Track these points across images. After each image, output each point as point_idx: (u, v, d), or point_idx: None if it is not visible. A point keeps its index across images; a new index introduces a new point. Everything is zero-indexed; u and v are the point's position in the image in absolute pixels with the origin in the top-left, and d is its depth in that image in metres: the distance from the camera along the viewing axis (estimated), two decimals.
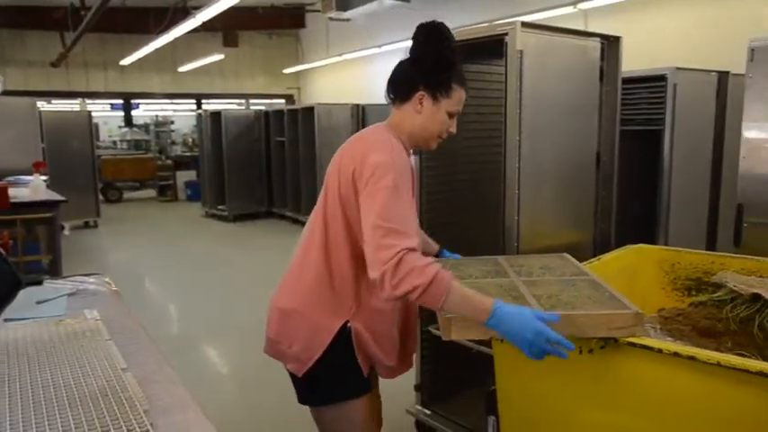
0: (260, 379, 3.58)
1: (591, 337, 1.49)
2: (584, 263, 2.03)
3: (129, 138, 15.13)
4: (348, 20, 10.43)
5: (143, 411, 1.19)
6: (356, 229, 1.59)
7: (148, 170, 12.58)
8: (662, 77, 3.43)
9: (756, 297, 1.82)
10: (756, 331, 1.77)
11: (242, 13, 10.49)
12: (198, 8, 7.47)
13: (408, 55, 1.69)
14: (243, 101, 15.41)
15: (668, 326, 1.92)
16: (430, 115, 1.67)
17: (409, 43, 1.68)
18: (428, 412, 2.83)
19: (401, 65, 1.71)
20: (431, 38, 1.64)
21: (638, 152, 3.51)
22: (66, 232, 8.22)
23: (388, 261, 1.41)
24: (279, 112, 9.76)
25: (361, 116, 8.73)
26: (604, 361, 1.50)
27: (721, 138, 3.80)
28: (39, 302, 1.96)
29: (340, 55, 10.80)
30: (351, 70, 12.02)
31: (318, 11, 10.75)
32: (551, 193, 2.44)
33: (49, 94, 12.82)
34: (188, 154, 14.17)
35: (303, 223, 1.86)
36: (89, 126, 9.09)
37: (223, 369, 4.12)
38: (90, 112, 9.50)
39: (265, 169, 10.12)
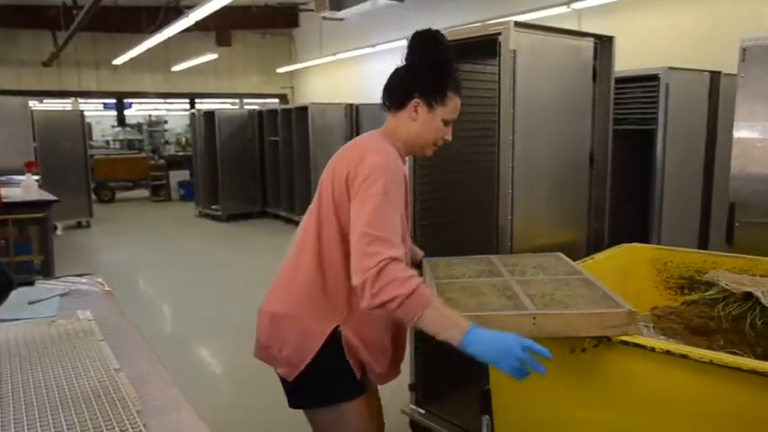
0: (254, 379, 3.56)
1: (584, 336, 1.49)
2: (578, 262, 2.04)
3: (121, 137, 15.09)
4: (342, 19, 10.44)
5: (136, 412, 1.19)
6: (349, 234, 1.58)
7: (141, 170, 12.53)
8: (655, 77, 3.45)
9: (748, 295, 1.83)
10: (748, 329, 1.78)
11: (235, 12, 10.47)
12: (191, 7, 7.44)
13: (404, 62, 1.69)
14: (236, 100, 15.37)
15: (661, 324, 1.93)
16: (425, 123, 1.67)
17: (403, 43, 1.68)
18: (422, 412, 2.82)
19: (397, 72, 1.71)
20: (427, 45, 1.64)
21: (632, 151, 3.53)
22: (58, 232, 8.19)
23: (370, 269, 1.40)
24: (272, 112, 9.74)
25: (354, 116, 8.73)
26: (598, 360, 1.51)
27: (713, 137, 3.83)
28: (31, 303, 1.94)
29: (334, 54, 10.78)
30: (344, 70, 12.01)
31: (312, 10, 10.74)
32: (545, 193, 2.45)
33: (41, 94, 12.74)
34: (181, 153, 14.09)
35: (297, 223, 1.86)
36: (82, 125, 9.04)
37: (217, 369, 4.11)
38: (83, 111, 9.45)
39: (259, 169, 10.09)
